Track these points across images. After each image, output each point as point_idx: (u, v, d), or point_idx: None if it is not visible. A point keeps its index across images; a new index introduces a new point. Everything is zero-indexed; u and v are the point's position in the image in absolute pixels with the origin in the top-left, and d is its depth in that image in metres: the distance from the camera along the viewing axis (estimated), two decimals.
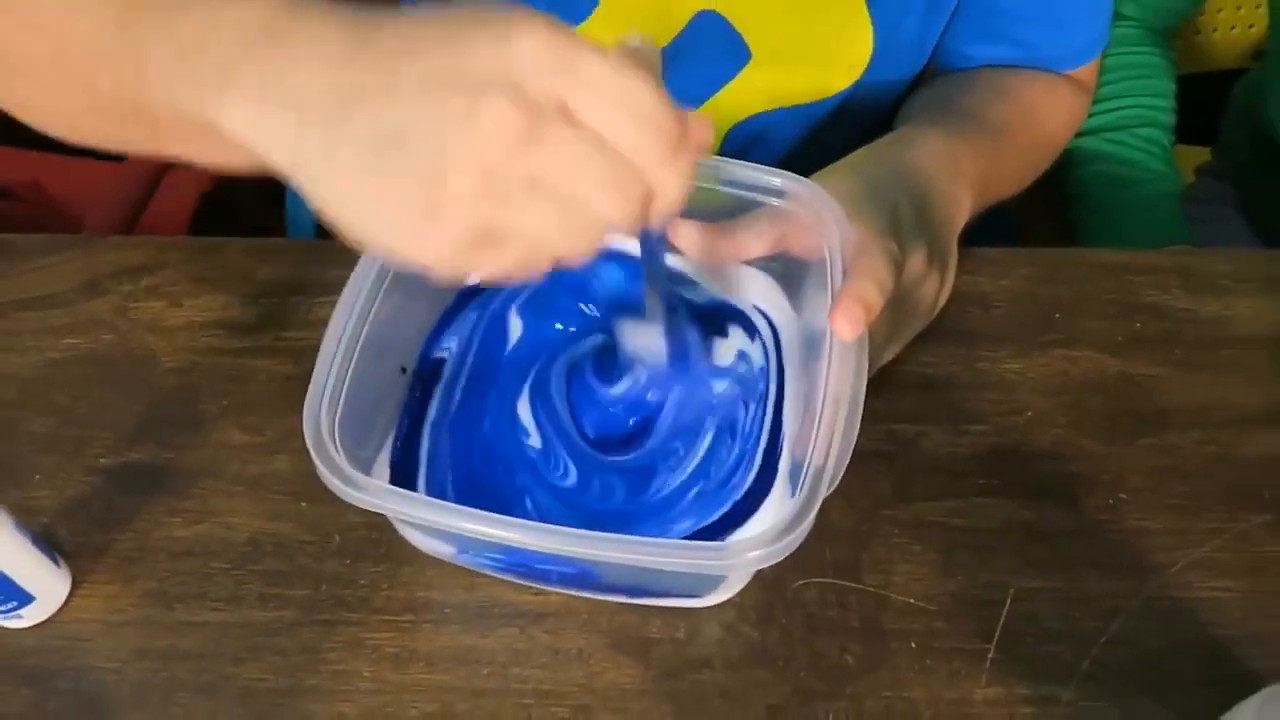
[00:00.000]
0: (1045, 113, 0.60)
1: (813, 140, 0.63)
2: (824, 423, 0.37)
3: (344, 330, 0.40)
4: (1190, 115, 0.76)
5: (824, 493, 0.36)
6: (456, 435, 0.46)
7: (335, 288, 0.41)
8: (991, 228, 0.62)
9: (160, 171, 0.78)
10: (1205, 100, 0.81)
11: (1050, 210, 0.71)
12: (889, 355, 0.47)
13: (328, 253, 0.52)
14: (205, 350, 0.50)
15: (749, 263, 0.48)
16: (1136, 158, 0.68)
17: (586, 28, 0.58)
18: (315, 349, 0.39)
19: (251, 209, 0.78)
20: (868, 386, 0.38)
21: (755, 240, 0.45)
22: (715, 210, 0.44)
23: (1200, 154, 0.85)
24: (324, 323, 0.40)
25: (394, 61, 0.30)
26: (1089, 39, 0.62)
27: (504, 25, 0.29)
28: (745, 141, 0.63)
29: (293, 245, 0.55)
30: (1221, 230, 0.76)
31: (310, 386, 0.38)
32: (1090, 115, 0.68)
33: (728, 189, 0.44)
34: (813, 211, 0.43)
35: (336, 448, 0.37)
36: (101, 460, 0.47)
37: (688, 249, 0.45)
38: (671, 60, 0.59)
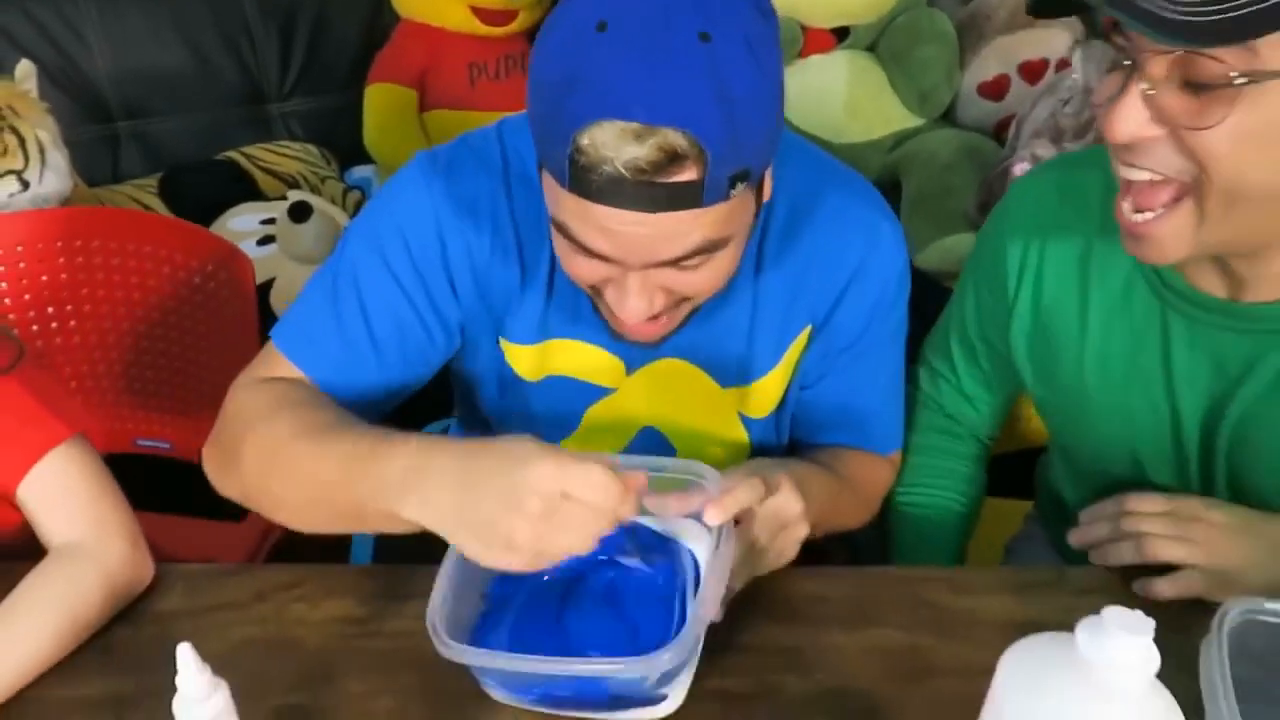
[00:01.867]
0: (869, 481, 0.94)
1: None
2: (705, 586, 0.68)
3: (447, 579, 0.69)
4: (1020, 478, 1.08)
5: (706, 622, 0.67)
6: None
7: (415, 594, 0.71)
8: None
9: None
10: (1029, 467, 1.13)
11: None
12: (764, 569, 0.77)
13: (407, 576, 0.81)
14: (334, 635, 0.78)
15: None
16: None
17: (570, 440, 0.93)
18: (407, 633, 0.71)
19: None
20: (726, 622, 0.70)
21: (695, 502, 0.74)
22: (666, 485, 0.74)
23: (1024, 506, 1.15)
24: (411, 615, 0.71)
25: (476, 480, 0.64)
26: (892, 434, 0.97)
27: (525, 458, 0.63)
28: None
29: (387, 570, 0.84)
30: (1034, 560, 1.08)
31: (430, 604, 0.67)
32: (911, 492, 1.01)
33: (672, 475, 0.74)
34: (717, 485, 0.72)
35: (441, 635, 0.66)
36: (273, 704, 0.74)
37: (658, 510, 0.75)
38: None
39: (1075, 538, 0.84)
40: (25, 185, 1.42)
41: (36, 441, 0.80)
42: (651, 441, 0.93)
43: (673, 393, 0.89)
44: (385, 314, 0.83)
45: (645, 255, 0.70)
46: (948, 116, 1.98)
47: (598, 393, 0.90)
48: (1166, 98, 0.67)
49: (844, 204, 0.86)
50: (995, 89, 1.92)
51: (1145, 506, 0.81)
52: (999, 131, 1.93)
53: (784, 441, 0.96)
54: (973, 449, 1.05)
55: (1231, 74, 0.63)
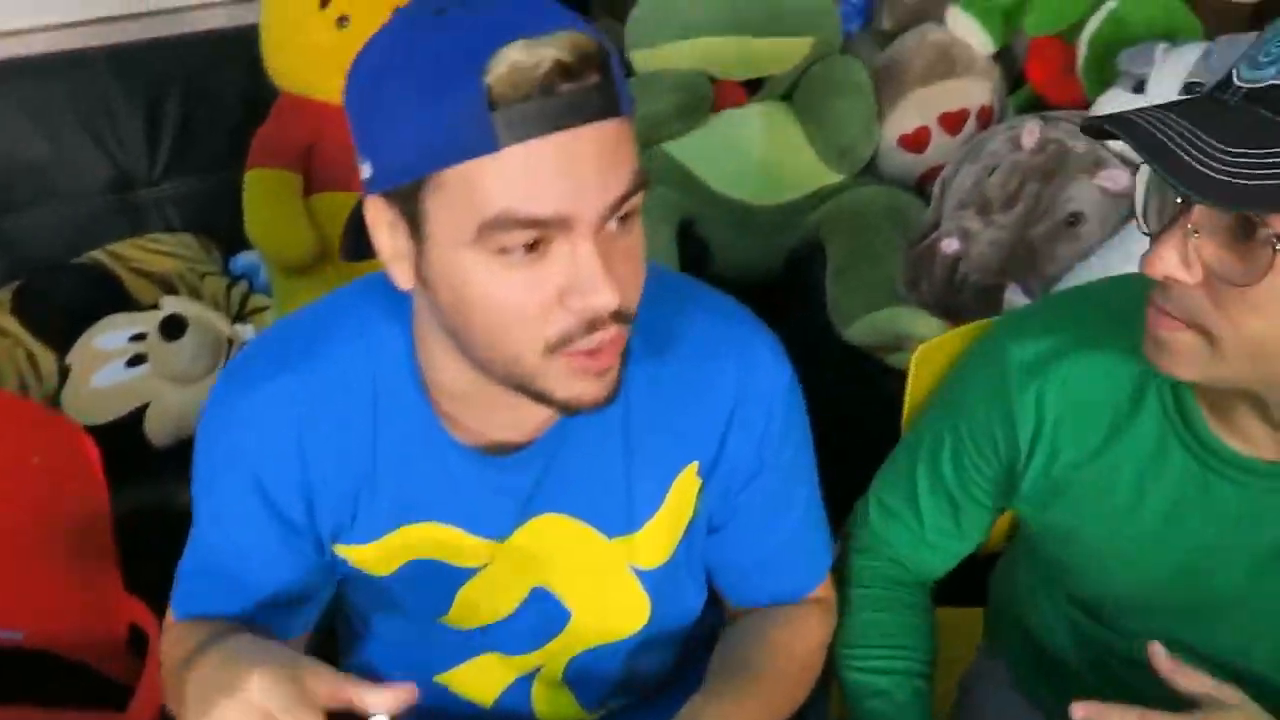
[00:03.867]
0: (799, 644, 0.88)
1: (628, 661, 0.89)
2: None
3: None
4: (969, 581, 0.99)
5: None
6: None
7: None
8: None
9: None
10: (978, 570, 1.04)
11: None
12: None
13: None
14: None
15: None
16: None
17: (448, 618, 0.85)
18: None
19: None
20: None
21: None
22: None
23: (972, 615, 1.07)
24: None
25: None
26: (817, 568, 0.89)
27: (245, 684, 0.61)
28: (579, 669, 0.89)
29: None
30: (999, 703, 0.99)
31: None
32: (867, 658, 0.91)
33: None
34: None
35: None
36: None
37: None
38: (513, 621, 0.85)
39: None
40: None
41: None
42: (543, 603, 0.85)
43: (557, 551, 0.82)
44: (250, 568, 0.80)
45: (599, 185, 0.63)
46: (869, 170, 1.89)
47: (467, 573, 0.82)
48: (1209, 244, 0.64)
49: (709, 326, 0.81)
50: (916, 141, 1.83)
51: None
52: (922, 184, 1.84)
53: (692, 597, 0.90)
54: (921, 598, 0.96)
55: (1277, 237, 0.61)
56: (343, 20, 1.74)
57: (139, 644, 1.14)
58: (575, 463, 0.79)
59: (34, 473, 1.08)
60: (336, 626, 0.98)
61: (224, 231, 1.86)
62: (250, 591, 0.80)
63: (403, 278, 0.68)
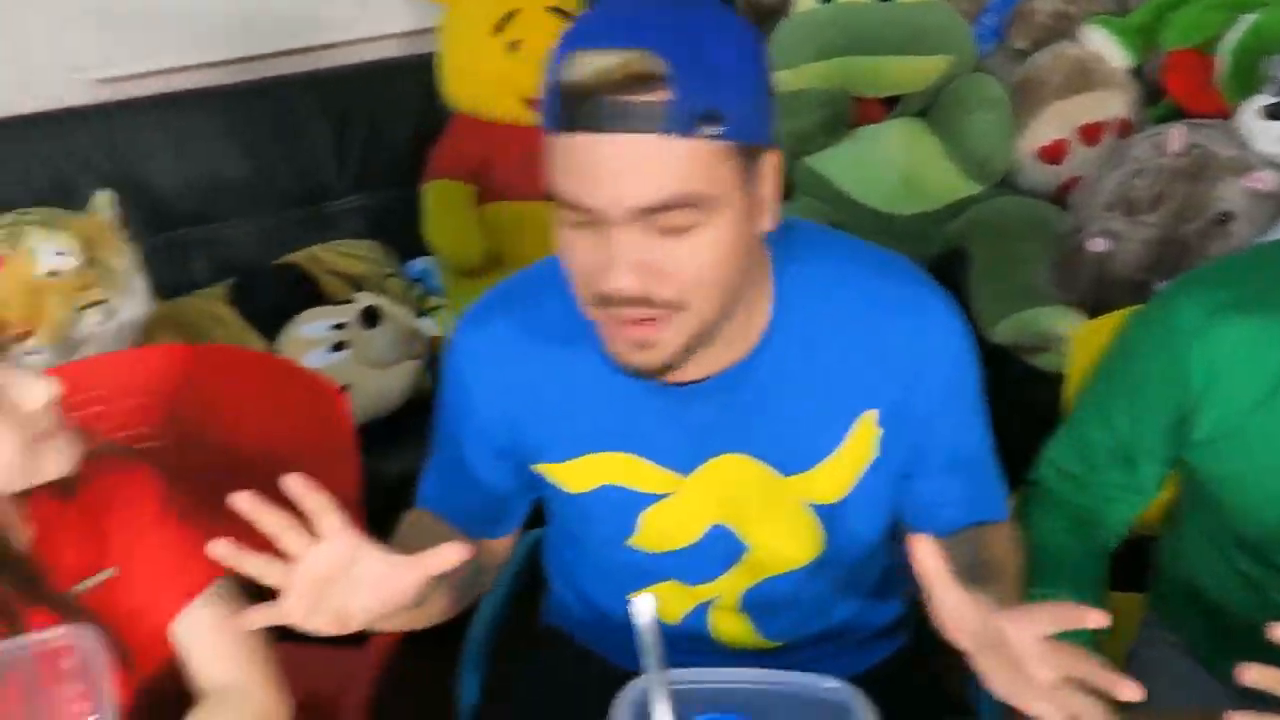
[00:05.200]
0: (1010, 559, 0.92)
1: (801, 590, 0.97)
2: None
3: None
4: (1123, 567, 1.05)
5: None
6: None
7: None
8: None
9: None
10: (1138, 556, 1.10)
11: None
12: None
13: None
14: None
15: None
16: None
17: (634, 539, 0.95)
18: None
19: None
20: None
21: None
22: None
23: (1134, 599, 1.13)
24: None
25: None
26: (1001, 497, 0.96)
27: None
28: (755, 598, 0.98)
29: None
30: (1173, 670, 1.04)
31: None
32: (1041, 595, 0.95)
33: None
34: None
35: None
36: None
37: None
38: (694, 551, 0.95)
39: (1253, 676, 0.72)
40: (110, 314, 1.44)
41: (193, 579, 0.87)
42: (722, 537, 0.94)
43: (734, 488, 0.91)
44: (464, 475, 0.96)
45: (619, 191, 0.72)
46: (1005, 182, 1.97)
47: (651, 499, 0.92)
48: None
49: (886, 285, 0.89)
50: (1054, 153, 1.91)
51: None
52: (1060, 195, 1.91)
53: (866, 531, 0.96)
54: (1098, 551, 1.00)
55: None
56: (514, 45, 1.92)
57: None
58: (755, 402, 0.87)
59: (292, 429, 1.23)
60: (546, 563, 1.11)
61: (403, 239, 2.04)
62: (465, 494, 0.96)
63: None
